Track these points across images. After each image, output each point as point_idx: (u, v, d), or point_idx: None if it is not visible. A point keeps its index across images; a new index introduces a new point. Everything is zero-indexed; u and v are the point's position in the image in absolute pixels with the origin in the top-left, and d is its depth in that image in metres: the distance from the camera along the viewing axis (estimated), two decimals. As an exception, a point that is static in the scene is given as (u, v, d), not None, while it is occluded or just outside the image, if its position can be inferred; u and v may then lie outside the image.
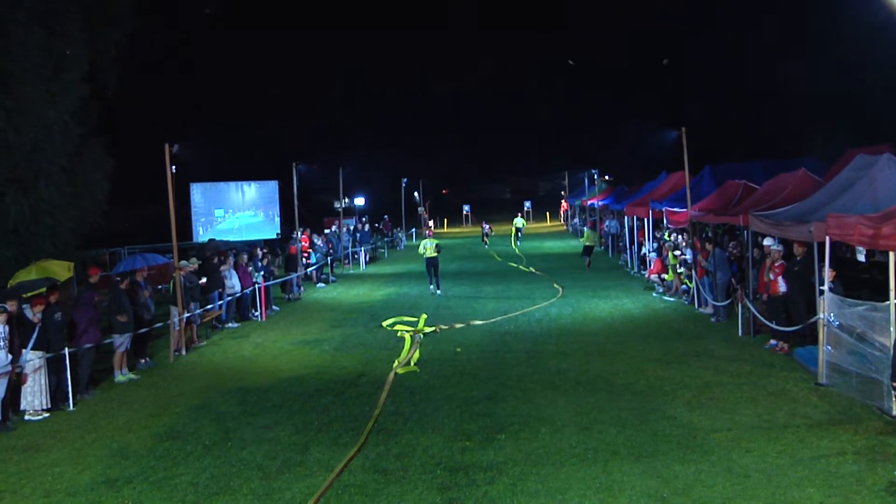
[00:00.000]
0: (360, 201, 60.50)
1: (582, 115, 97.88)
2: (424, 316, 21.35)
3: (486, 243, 48.49)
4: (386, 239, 48.08)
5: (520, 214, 56.82)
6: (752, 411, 11.42)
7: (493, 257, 39.60)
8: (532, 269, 32.89)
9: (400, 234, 52.24)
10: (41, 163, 22.21)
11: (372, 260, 40.97)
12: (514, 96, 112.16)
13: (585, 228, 36.72)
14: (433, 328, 19.51)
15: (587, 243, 34.03)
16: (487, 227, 51.33)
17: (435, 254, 27.00)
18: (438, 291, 26.65)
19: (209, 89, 74.53)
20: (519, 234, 49.27)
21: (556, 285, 26.91)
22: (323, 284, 30.87)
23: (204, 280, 20.25)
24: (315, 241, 32.58)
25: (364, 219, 46.22)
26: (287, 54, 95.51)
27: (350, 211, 56.33)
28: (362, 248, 38.61)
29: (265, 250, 25.94)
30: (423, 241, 27.61)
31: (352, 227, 42.38)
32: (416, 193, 69.64)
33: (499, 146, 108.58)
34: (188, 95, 67.34)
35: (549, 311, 21.57)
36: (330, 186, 47.26)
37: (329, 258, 32.56)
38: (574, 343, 17.13)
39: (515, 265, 34.84)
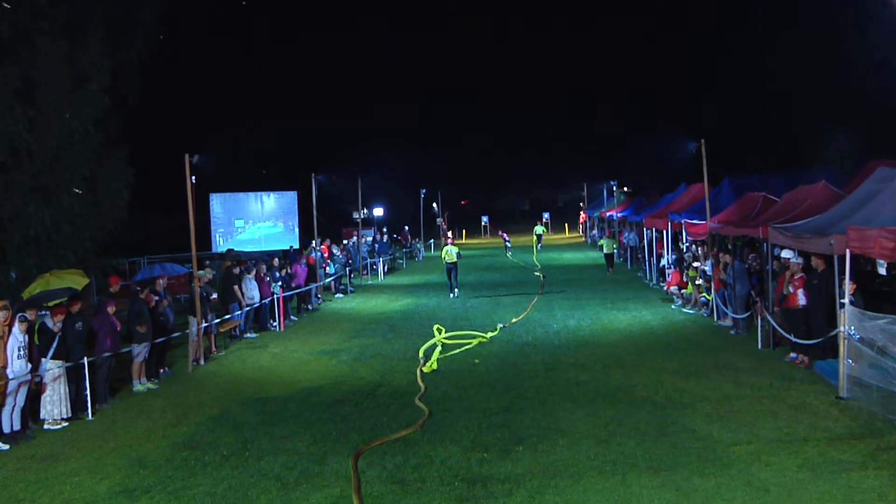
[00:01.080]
0: (378, 212, 60.64)
1: (601, 127, 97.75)
2: (438, 328, 21.31)
3: (508, 253, 49.98)
4: (405, 250, 48.21)
5: (539, 222, 58.38)
6: (773, 424, 11.32)
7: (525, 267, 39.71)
8: (539, 275, 34.50)
9: (418, 245, 52.28)
10: (63, 172, 22.34)
11: (390, 271, 41.09)
12: (532, 107, 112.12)
13: (603, 238, 37.01)
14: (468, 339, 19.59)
15: (607, 252, 35.28)
16: (506, 235, 52.41)
17: (456, 259, 29.69)
18: (456, 290, 29.27)
19: (230, 99, 74.96)
20: (539, 241, 52.55)
21: (537, 293, 28.54)
22: (341, 295, 30.93)
23: (214, 296, 20.21)
24: (334, 251, 32.68)
25: (384, 229, 46.31)
26: (306, 64, 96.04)
27: (369, 221, 56.45)
28: (381, 259, 38.71)
29: (285, 260, 26.06)
30: (446, 248, 30.17)
31: (370, 239, 42.43)
32: (434, 204, 69.67)
33: (517, 157, 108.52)
34: (209, 105, 67.74)
35: (568, 323, 21.55)
36: (348, 197, 47.47)
37: (347, 269, 32.63)
38: (593, 355, 17.10)
39: (539, 275, 35.22)
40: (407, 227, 53.67)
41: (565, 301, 26.19)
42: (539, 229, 54.32)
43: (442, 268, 29.59)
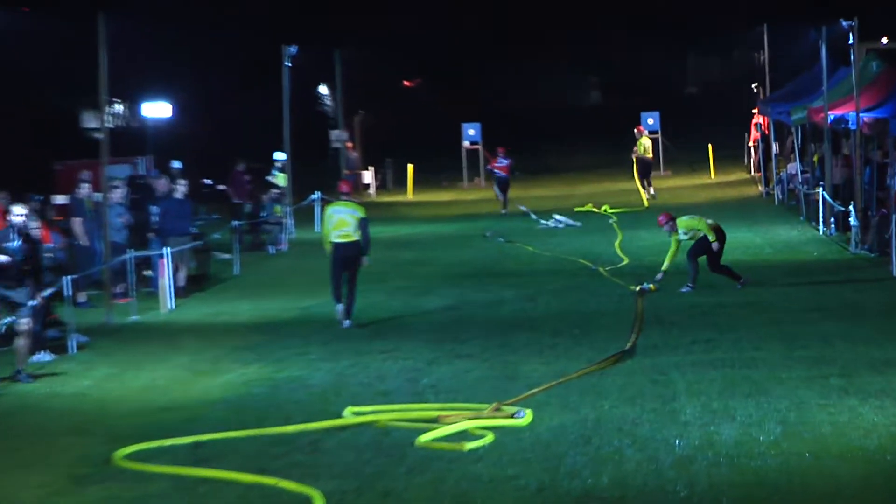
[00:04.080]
0: (159, 111, 60.21)
1: None
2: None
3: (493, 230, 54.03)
4: (237, 223, 48.42)
5: (639, 132, 65.84)
6: None
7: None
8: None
9: (280, 207, 52.47)
10: None
11: (197, 283, 42.21)
12: None
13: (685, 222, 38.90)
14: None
15: (702, 234, 37.75)
16: (504, 162, 57.53)
17: (354, 237, 32.84)
18: (347, 322, 32.98)
19: None
20: (647, 176, 62.62)
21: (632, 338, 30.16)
22: (48, 356, 30.87)
23: None
24: (12, 220, 32.25)
25: (175, 166, 46.47)
26: None
27: (135, 144, 56.70)
28: (167, 251, 38.53)
29: None
30: (330, 210, 33.66)
31: (122, 192, 42.16)
32: (322, 91, 69.59)
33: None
34: None
35: (716, 433, 21.84)
36: (74, 75, 47.23)
37: (67, 281, 32.55)
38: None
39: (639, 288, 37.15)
40: (264, 167, 53.55)
41: (706, 368, 26.87)
42: (646, 142, 62.79)
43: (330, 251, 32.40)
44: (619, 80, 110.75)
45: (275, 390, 27.13)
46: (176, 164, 46.01)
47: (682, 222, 38.36)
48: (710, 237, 37.28)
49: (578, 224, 54.04)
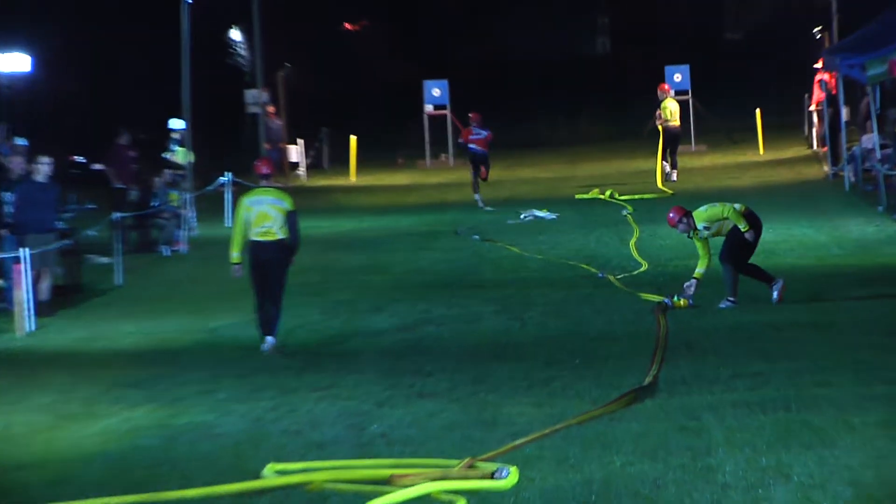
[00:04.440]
0: (15, 65, 60.38)
1: None
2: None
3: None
4: (120, 216, 47.91)
5: (663, 92, 66.73)
6: None
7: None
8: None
9: (177, 194, 52.31)
10: None
11: (65, 296, 42.18)
12: None
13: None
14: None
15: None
16: (483, 134, 58.95)
17: (279, 235, 33.24)
18: (269, 340, 33.18)
19: None
20: (673, 151, 63.41)
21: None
22: None
23: None
24: None
25: (20, 143, 47.76)
26: None
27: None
28: (24, 254, 37.37)
29: None
30: (248, 200, 33.87)
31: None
32: (235, 38, 69.74)
33: None
34: None
35: (765, 497, 21.04)
36: None
37: None
38: None
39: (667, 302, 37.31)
40: (156, 139, 53.39)
41: (752, 410, 26.28)
42: (672, 106, 63.36)
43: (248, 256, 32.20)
44: (636, 23, 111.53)
45: (171, 441, 26.55)
46: (20, 142, 45.70)
47: (702, 214, 38.75)
48: (742, 226, 37.66)
49: (548, 217, 53.56)
